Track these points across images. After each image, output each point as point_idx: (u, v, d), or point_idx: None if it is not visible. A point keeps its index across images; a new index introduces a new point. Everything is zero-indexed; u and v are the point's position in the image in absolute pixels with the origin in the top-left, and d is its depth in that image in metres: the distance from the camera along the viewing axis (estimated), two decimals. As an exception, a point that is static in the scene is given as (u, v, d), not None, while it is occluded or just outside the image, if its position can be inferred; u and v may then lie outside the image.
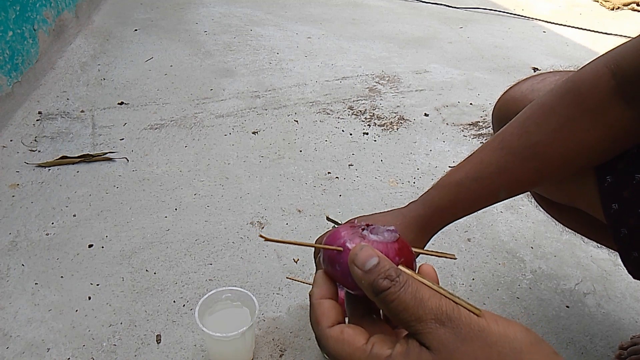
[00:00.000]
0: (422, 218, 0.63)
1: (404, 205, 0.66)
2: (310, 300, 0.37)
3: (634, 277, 0.65)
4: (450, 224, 1.10)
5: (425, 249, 0.69)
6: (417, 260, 0.40)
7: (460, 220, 1.11)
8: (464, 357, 0.31)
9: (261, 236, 0.38)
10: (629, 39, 0.56)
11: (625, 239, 0.61)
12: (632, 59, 0.54)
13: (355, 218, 0.64)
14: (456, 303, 0.34)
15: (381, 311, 0.39)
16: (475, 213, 1.15)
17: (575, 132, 0.58)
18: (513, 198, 1.19)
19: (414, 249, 0.39)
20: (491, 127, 0.85)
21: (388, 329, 0.38)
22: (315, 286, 0.37)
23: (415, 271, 0.38)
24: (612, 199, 0.60)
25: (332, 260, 0.37)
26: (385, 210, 0.67)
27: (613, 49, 0.57)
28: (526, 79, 0.74)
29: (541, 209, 0.82)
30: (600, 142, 0.58)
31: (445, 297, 0.35)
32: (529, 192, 0.82)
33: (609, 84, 0.56)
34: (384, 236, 0.38)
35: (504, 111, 0.75)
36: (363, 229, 0.38)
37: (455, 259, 0.76)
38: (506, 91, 0.75)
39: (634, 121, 0.56)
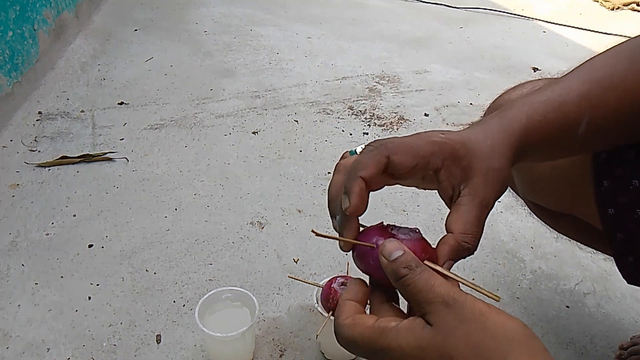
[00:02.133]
0: (516, 138, 0.45)
1: (472, 123, 0.49)
2: (338, 302, 0.42)
3: (628, 282, 0.65)
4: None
5: (469, 281, 0.60)
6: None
7: (460, 220, 1.11)
8: (460, 335, 0.34)
9: (313, 231, 0.46)
10: None
11: (621, 244, 0.60)
12: None
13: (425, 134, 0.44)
14: (473, 289, 0.39)
15: (400, 299, 0.42)
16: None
17: None
18: (513, 198, 1.19)
19: (459, 280, 0.41)
20: None
21: (402, 314, 0.41)
22: (345, 290, 0.44)
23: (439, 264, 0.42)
24: (609, 203, 0.60)
25: (365, 255, 0.44)
26: (474, 125, 0.47)
27: None
28: (516, 86, 0.73)
29: (535, 216, 0.82)
30: None
31: (463, 283, 0.40)
32: (523, 200, 0.81)
33: None
34: (410, 235, 0.43)
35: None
36: (392, 229, 0.44)
37: (498, 300, 0.68)
38: (497, 98, 0.74)
39: None
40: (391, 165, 0.41)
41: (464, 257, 0.45)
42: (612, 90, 0.50)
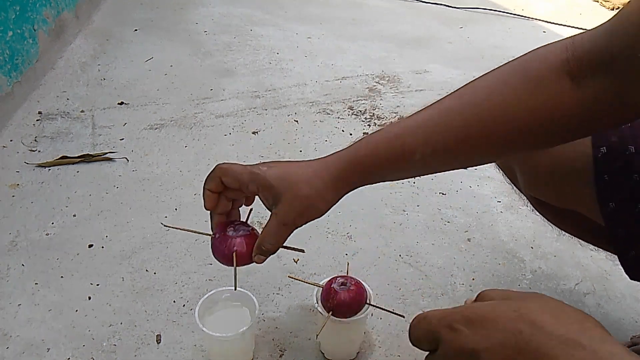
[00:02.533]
0: (336, 170, 0.58)
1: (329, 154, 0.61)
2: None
3: (631, 278, 0.65)
4: (451, 225, 1.10)
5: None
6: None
7: (460, 220, 1.12)
8: (536, 301, 0.37)
9: (163, 224, 0.66)
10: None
11: (623, 239, 0.61)
12: (590, 37, 0.51)
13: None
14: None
15: None
16: (476, 213, 1.15)
17: (505, 97, 0.53)
18: (513, 198, 1.19)
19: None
20: None
21: None
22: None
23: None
24: (609, 198, 0.60)
25: (212, 243, 0.67)
26: (303, 161, 0.61)
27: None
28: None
29: (537, 212, 0.82)
30: (529, 115, 0.52)
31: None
32: (525, 197, 0.81)
33: (558, 56, 0.52)
34: (243, 231, 0.64)
35: None
36: (234, 225, 0.66)
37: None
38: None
39: (572, 103, 0.50)
40: (224, 182, 0.60)
41: (266, 255, 0.62)
42: (457, 117, 0.54)
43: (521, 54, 0.56)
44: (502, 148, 0.55)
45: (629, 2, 0.47)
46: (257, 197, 0.63)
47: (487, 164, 0.59)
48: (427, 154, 0.54)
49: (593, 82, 0.49)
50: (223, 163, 0.61)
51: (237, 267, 0.65)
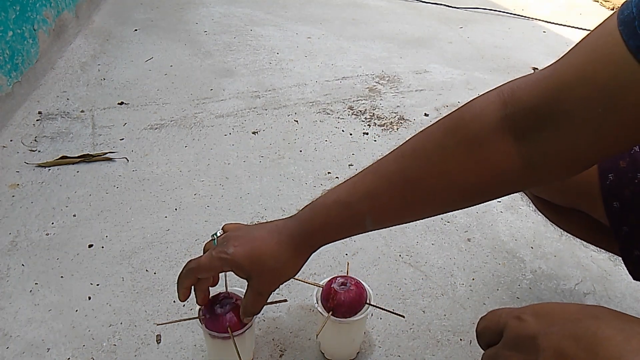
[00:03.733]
0: (296, 238, 0.62)
1: (281, 218, 0.66)
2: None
3: (634, 278, 0.65)
4: (451, 225, 1.10)
5: (377, 304, 0.78)
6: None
7: (460, 220, 1.12)
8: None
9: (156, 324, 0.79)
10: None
11: (627, 237, 0.61)
12: (528, 89, 0.47)
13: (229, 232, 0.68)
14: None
15: None
16: (476, 213, 1.15)
17: (446, 162, 0.52)
18: (513, 198, 1.19)
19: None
20: None
21: None
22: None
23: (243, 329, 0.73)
24: (614, 197, 0.60)
25: (205, 323, 0.72)
26: (264, 222, 0.67)
27: (515, 79, 0.50)
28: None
29: (539, 213, 0.82)
30: (473, 178, 0.51)
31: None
32: (526, 195, 0.82)
33: (496, 113, 0.49)
34: (226, 309, 0.72)
35: None
36: (220, 300, 0.73)
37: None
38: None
39: (517, 161, 0.49)
40: (199, 277, 0.68)
41: (252, 316, 0.71)
42: (399, 186, 0.55)
43: (458, 108, 0.54)
44: (448, 207, 0.56)
45: (580, 51, 0.44)
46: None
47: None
48: (376, 219, 0.58)
49: (539, 137, 0.47)
50: (189, 261, 0.68)
51: (235, 336, 0.71)
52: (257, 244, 0.63)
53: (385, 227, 0.61)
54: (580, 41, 0.45)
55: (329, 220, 0.60)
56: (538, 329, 0.36)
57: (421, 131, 0.56)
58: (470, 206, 0.56)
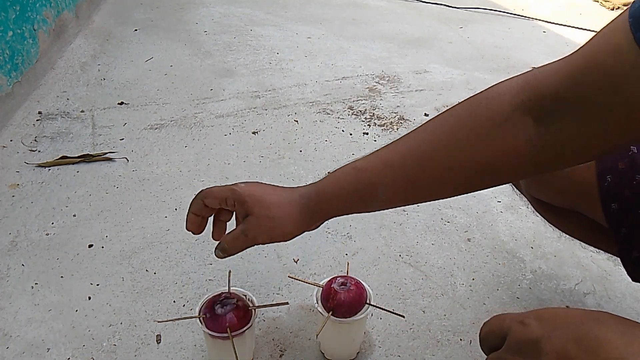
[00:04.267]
0: (306, 198, 0.61)
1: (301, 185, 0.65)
2: None
3: (633, 280, 0.65)
4: (450, 224, 1.10)
5: (377, 304, 0.77)
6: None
7: (460, 220, 1.12)
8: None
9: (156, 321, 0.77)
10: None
11: (625, 238, 0.61)
12: (550, 75, 0.49)
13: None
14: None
15: None
16: (476, 213, 1.15)
17: (466, 138, 0.53)
18: (513, 198, 1.19)
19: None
20: None
21: None
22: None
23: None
24: (612, 198, 0.60)
25: (205, 322, 0.73)
26: (281, 187, 0.65)
27: (539, 66, 0.52)
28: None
29: (538, 214, 0.82)
30: (491, 157, 0.52)
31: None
32: (525, 196, 0.81)
33: (518, 96, 0.50)
34: (226, 310, 0.72)
35: None
36: (222, 300, 0.73)
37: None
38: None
39: (536, 143, 0.50)
40: (206, 204, 0.64)
41: (223, 253, 0.64)
42: (415, 159, 0.55)
43: (485, 88, 0.55)
44: (460, 186, 0.57)
45: (593, 41, 0.46)
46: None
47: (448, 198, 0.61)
48: (389, 191, 0.57)
49: (557, 121, 0.48)
50: (206, 189, 0.65)
51: (234, 337, 0.71)
52: (268, 191, 0.62)
53: (395, 205, 0.60)
54: (597, 32, 0.47)
55: (343, 186, 0.59)
56: (541, 333, 0.36)
57: (445, 110, 0.56)
58: (480, 189, 0.57)
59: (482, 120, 0.52)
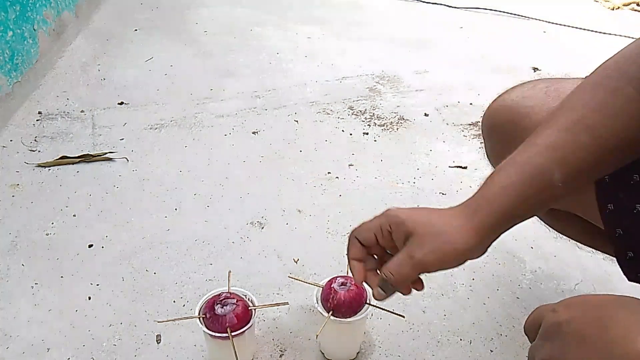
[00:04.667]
0: (475, 208, 0.53)
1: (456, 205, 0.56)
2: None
3: (629, 279, 0.65)
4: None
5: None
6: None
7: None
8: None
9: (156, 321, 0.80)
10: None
11: (621, 240, 0.60)
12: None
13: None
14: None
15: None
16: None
17: (619, 104, 0.51)
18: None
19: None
20: None
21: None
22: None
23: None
24: (609, 199, 0.60)
25: (205, 322, 0.74)
26: (437, 209, 0.57)
27: None
28: (515, 87, 0.73)
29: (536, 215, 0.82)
30: None
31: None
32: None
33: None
34: (226, 310, 0.72)
35: (494, 119, 0.74)
36: (220, 302, 0.73)
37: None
38: (495, 100, 0.73)
39: None
40: (361, 242, 0.59)
41: (388, 289, 0.57)
42: (584, 132, 0.52)
43: (595, 68, 0.54)
44: (623, 154, 0.54)
45: None
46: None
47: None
48: (565, 172, 0.52)
49: None
50: (354, 229, 0.60)
51: (234, 337, 0.71)
52: (423, 209, 0.56)
53: (574, 189, 0.54)
54: None
55: (510, 181, 0.52)
56: (565, 317, 0.38)
57: (581, 83, 0.54)
58: None
59: (626, 79, 0.52)
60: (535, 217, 0.82)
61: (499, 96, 0.73)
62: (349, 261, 0.60)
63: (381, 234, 0.57)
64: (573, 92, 0.55)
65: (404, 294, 0.57)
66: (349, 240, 0.60)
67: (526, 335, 0.43)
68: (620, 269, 0.65)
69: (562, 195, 0.53)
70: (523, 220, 0.55)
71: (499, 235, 0.54)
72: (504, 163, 0.54)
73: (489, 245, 0.55)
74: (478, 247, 0.53)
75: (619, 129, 0.51)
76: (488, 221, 0.53)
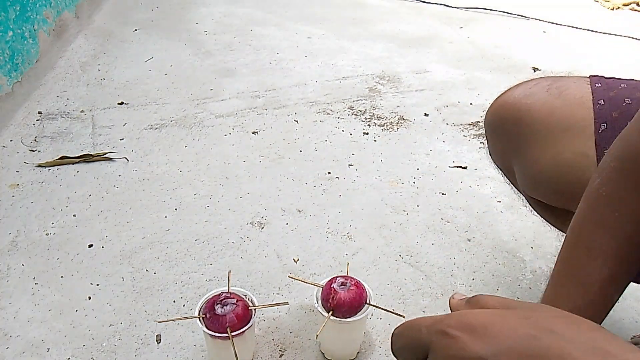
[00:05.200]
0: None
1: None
2: None
3: (632, 281, 0.65)
4: (451, 225, 1.10)
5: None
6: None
7: (460, 220, 1.12)
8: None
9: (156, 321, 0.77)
10: None
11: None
12: None
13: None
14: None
15: None
16: (476, 213, 1.15)
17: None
18: (513, 198, 1.19)
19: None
20: None
21: None
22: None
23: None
24: (607, 145, 0.59)
25: (205, 323, 0.73)
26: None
27: None
28: (518, 84, 0.73)
29: (536, 212, 0.82)
30: None
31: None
32: (524, 196, 0.81)
33: None
34: (226, 310, 0.72)
35: (497, 116, 0.74)
36: (220, 302, 0.73)
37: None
38: (498, 97, 0.74)
39: None
40: None
41: None
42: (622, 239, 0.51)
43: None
44: None
45: None
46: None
47: None
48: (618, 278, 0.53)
49: None
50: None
51: (234, 337, 0.71)
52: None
53: (624, 283, 0.55)
54: None
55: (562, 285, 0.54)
56: (480, 347, 0.29)
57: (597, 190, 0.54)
58: None
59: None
60: (535, 216, 0.83)
61: (502, 94, 0.73)
62: None
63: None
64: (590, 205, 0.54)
65: None
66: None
67: (396, 355, 0.34)
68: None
69: (608, 287, 0.54)
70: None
71: None
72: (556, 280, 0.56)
73: None
74: None
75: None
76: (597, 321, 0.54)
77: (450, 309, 0.35)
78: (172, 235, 1.06)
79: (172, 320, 0.84)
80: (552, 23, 2.28)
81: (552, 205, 0.74)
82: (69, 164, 1.25)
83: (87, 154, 1.27)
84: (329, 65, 1.79)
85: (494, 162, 0.82)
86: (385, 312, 0.78)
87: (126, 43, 1.87)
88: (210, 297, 0.75)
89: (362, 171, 1.27)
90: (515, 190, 0.82)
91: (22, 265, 0.98)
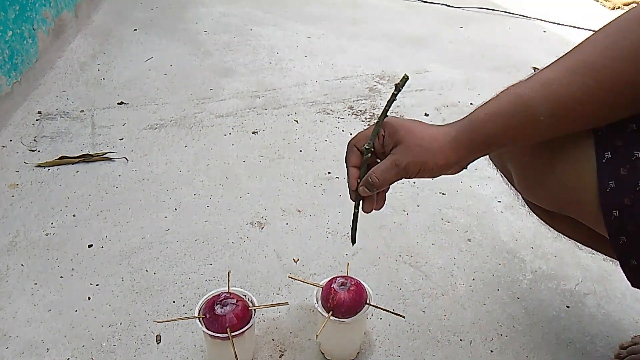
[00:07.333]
0: (462, 131, 0.59)
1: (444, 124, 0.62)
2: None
3: (633, 285, 0.65)
4: (451, 225, 1.10)
5: (377, 304, 0.79)
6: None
7: (460, 220, 1.12)
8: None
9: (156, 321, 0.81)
10: None
11: (624, 247, 0.60)
12: None
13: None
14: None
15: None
16: (476, 213, 1.15)
17: (633, 47, 0.49)
18: (513, 198, 1.18)
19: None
20: None
21: None
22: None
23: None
24: (613, 206, 0.59)
25: (205, 322, 0.73)
26: (427, 124, 0.62)
27: None
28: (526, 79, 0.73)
29: (534, 215, 0.81)
30: None
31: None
32: (522, 197, 0.81)
33: None
34: (226, 310, 0.72)
35: None
36: (220, 302, 0.73)
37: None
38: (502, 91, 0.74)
39: None
40: (358, 148, 0.64)
41: (371, 189, 0.63)
42: (588, 73, 0.51)
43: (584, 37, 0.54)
44: (620, 102, 0.53)
45: None
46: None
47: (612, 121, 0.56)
48: (553, 107, 0.53)
49: None
50: (352, 138, 0.65)
51: (234, 337, 0.71)
52: (418, 123, 0.62)
53: (562, 131, 0.56)
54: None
55: (498, 110, 0.56)
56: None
57: (597, 31, 0.54)
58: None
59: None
60: (535, 217, 0.82)
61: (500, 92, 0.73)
62: (347, 169, 0.65)
63: (376, 139, 0.63)
64: (587, 37, 0.54)
65: (365, 212, 0.69)
66: (348, 148, 0.65)
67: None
68: (624, 275, 0.65)
69: (547, 132, 0.56)
70: (503, 148, 0.61)
71: (478, 158, 0.62)
72: (500, 92, 0.57)
73: (466, 166, 0.63)
74: (455, 165, 0.61)
75: (628, 72, 0.50)
76: (469, 144, 0.59)
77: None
78: (171, 236, 1.06)
79: (172, 321, 0.84)
80: (552, 23, 2.28)
81: (551, 212, 0.74)
82: (69, 164, 1.25)
83: (87, 154, 1.27)
84: (328, 65, 1.79)
85: (493, 162, 0.82)
86: (385, 312, 0.78)
87: (125, 43, 1.87)
88: (209, 297, 0.75)
89: (362, 171, 1.26)
90: (514, 190, 0.82)
91: (22, 265, 0.98)
